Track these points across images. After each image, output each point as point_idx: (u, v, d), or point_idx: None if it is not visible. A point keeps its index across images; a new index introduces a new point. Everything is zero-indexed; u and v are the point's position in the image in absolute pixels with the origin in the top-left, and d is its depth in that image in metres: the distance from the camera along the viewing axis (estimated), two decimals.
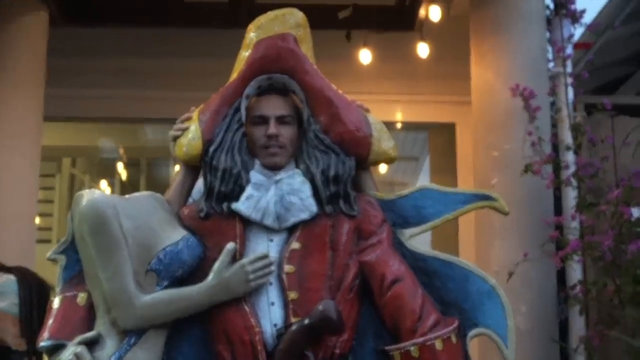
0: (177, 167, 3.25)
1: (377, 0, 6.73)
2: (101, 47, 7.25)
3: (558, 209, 5.86)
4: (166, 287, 2.86)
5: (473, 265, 3.00)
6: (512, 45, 6.06)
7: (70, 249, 2.96)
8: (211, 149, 3.01)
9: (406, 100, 7.59)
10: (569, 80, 5.92)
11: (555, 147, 5.82)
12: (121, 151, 10.82)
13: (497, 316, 2.93)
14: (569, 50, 6.11)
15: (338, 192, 2.99)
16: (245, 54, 3.11)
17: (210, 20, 6.86)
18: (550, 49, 6.24)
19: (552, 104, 6.12)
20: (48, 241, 9.91)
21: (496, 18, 6.13)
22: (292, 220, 2.95)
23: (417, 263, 3.00)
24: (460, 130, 7.60)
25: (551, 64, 6.24)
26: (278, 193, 2.96)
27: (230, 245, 2.90)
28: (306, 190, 2.97)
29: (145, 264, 2.83)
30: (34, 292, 4.77)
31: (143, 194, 3.03)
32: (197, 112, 3.12)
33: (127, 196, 2.98)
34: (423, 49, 7.07)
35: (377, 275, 2.94)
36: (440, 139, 8.18)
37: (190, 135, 3.06)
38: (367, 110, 3.15)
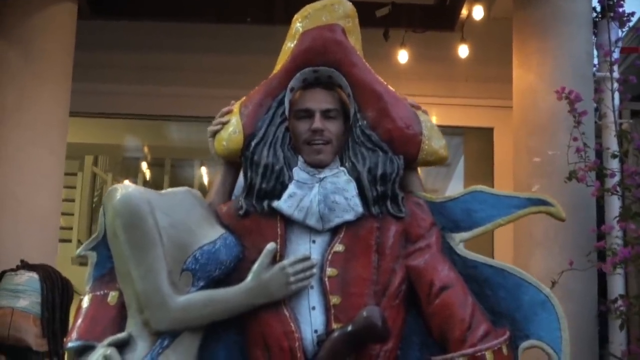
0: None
1: None
2: (129, 41, 7.15)
3: (600, 218, 5.71)
4: (202, 288, 2.76)
5: (526, 274, 2.88)
6: (557, 48, 5.85)
7: (102, 245, 2.87)
8: (253, 143, 2.91)
9: (443, 103, 7.43)
10: (615, 85, 5.75)
11: (599, 154, 5.66)
12: (145, 150, 10.74)
13: (551, 328, 2.82)
14: (616, 54, 5.93)
15: (385, 193, 2.88)
16: (290, 45, 3.01)
17: (244, 15, 6.75)
18: (595, 52, 6.07)
19: (596, 109, 5.96)
20: (68, 241, 9.85)
21: (540, 20, 5.93)
22: (336, 220, 2.84)
23: (468, 270, 2.88)
24: (498, 135, 7.44)
25: (596, 69, 6.08)
26: (322, 192, 2.85)
27: (270, 246, 2.80)
28: (351, 189, 2.86)
29: (180, 263, 2.73)
30: (57, 292, 4.71)
31: (180, 189, 2.93)
32: (238, 104, 3.02)
33: (163, 191, 2.89)
34: (463, 50, 6.94)
35: (425, 281, 2.83)
36: (477, 144, 8.04)
37: (231, 128, 2.96)
38: (419, 108, 3.04)
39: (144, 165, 11.18)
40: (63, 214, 7.89)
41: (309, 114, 2.95)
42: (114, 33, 7.05)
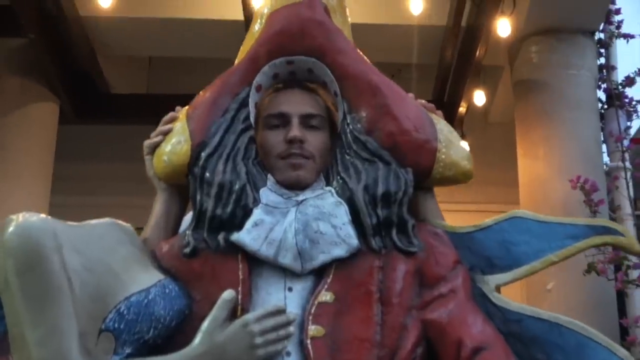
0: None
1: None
2: (118, 148, 6.11)
3: (621, 311, 4.76)
4: (129, 357, 1.68)
5: (591, 329, 1.81)
6: (564, 135, 4.99)
7: None
8: (203, 154, 1.87)
9: (445, 209, 6.38)
10: (629, 174, 4.81)
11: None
12: None
13: None
14: (626, 142, 5.01)
15: (389, 219, 1.82)
16: (256, 28, 2.00)
17: None
18: (604, 143, 5.16)
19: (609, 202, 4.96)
20: None
21: (544, 106, 5.08)
22: (320, 258, 1.78)
23: (509, 325, 1.82)
24: None
25: (606, 159, 5.14)
26: (301, 218, 1.80)
27: (227, 294, 1.73)
28: (342, 214, 1.81)
29: (98, 321, 1.67)
30: None
31: (102, 221, 1.86)
32: (185, 110, 2.00)
33: (79, 223, 1.82)
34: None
35: (450, 341, 1.76)
36: None
37: (175, 138, 1.93)
38: (432, 111, 2.01)
39: None
40: None
41: (283, 121, 1.92)
42: (101, 138, 6.01)
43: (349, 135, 1.91)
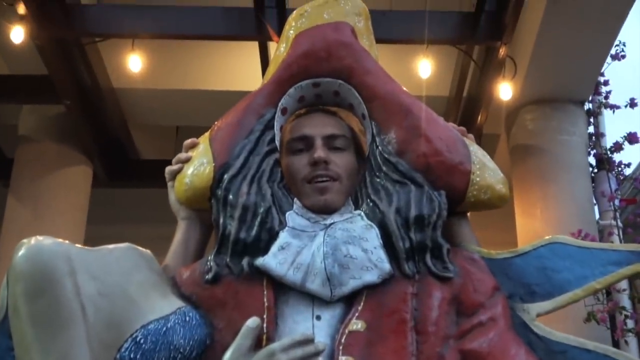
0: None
1: None
2: (145, 210, 5.82)
3: None
4: None
5: None
6: (560, 194, 4.77)
7: (0, 332, 1.46)
8: (226, 175, 1.56)
9: None
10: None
11: (608, 294, 4.33)
12: None
13: None
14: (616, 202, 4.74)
15: (423, 243, 1.50)
16: (282, 50, 1.71)
17: None
18: (595, 204, 4.88)
19: None
20: None
21: (540, 168, 4.87)
22: (351, 284, 1.45)
23: (553, 356, 1.47)
24: None
25: (597, 217, 4.86)
26: (330, 242, 1.47)
27: (251, 322, 1.40)
28: (373, 238, 1.48)
29: (112, 350, 1.35)
30: None
31: (119, 245, 1.54)
32: (207, 133, 1.69)
33: (95, 248, 1.50)
34: None
35: None
36: None
37: (197, 160, 1.62)
38: (464, 134, 1.69)
39: None
40: None
41: (307, 144, 1.62)
42: (132, 202, 5.72)
43: (378, 157, 1.60)
